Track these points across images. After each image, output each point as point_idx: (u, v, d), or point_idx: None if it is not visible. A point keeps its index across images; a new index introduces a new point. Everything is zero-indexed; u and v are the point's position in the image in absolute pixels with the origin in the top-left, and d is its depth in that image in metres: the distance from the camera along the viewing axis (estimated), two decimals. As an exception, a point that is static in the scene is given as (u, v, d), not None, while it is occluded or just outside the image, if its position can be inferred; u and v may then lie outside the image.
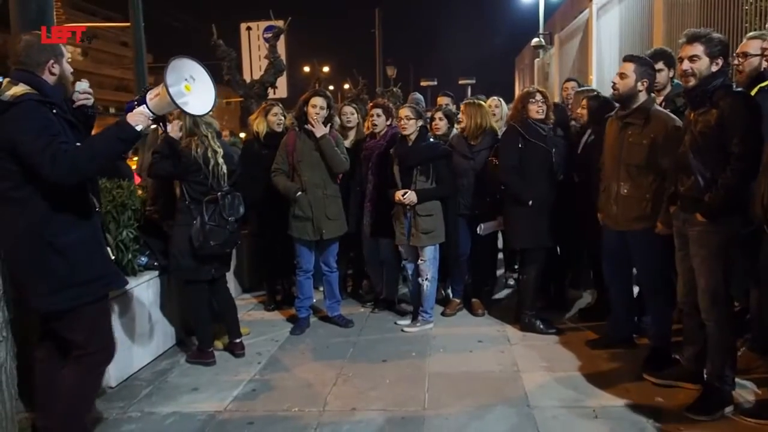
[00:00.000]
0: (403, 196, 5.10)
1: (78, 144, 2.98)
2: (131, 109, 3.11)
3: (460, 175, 5.40)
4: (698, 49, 3.47)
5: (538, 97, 5.03)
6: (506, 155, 5.05)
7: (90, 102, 3.35)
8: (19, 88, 2.91)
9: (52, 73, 3.06)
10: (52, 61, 3.05)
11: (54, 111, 2.95)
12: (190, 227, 4.43)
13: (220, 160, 4.50)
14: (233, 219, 4.54)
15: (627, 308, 4.62)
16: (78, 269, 3.03)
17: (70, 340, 3.16)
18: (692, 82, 3.51)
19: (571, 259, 5.76)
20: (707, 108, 3.49)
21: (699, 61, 3.47)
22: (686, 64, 3.50)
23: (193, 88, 3.16)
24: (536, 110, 5.00)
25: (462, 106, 5.67)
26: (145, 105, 3.08)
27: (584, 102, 5.07)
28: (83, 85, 3.37)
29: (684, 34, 3.58)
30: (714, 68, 3.48)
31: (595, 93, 5.23)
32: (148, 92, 3.13)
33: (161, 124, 3.44)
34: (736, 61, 3.78)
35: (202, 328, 4.72)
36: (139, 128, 3.03)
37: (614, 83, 4.17)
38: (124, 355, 4.36)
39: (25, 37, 3.09)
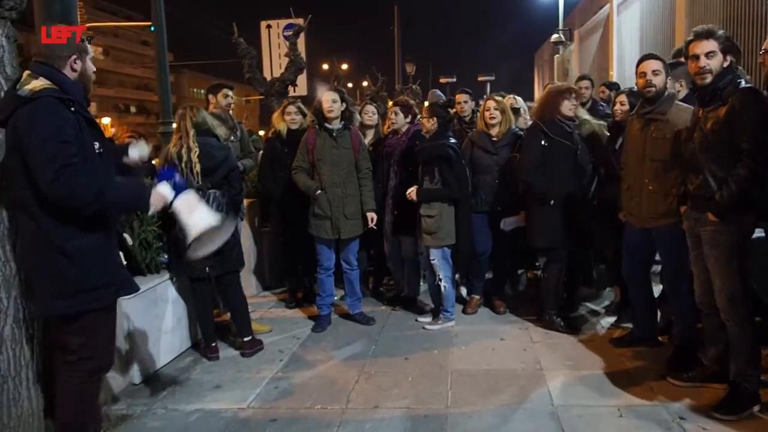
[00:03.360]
0: (407, 192, 5.14)
1: (92, 169, 2.83)
2: (168, 177, 3.07)
3: (482, 171, 5.38)
4: (713, 45, 3.44)
5: (575, 94, 5.03)
6: (529, 153, 5.00)
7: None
8: (39, 83, 2.77)
9: (73, 69, 2.91)
10: (74, 57, 2.90)
11: (72, 109, 2.80)
12: None
13: (194, 158, 4.51)
14: None
15: (648, 306, 4.58)
16: (88, 275, 2.90)
17: (64, 344, 3.01)
18: (708, 78, 3.46)
19: (585, 257, 5.69)
20: (717, 105, 3.46)
21: (715, 58, 3.44)
22: (704, 61, 3.45)
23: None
24: (570, 107, 4.98)
25: (495, 103, 5.48)
26: (175, 195, 3.02)
27: (623, 98, 5.00)
28: (141, 151, 3.40)
29: (694, 31, 3.54)
30: (725, 64, 3.46)
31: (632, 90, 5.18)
32: (189, 193, 3.10)
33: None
34: None
35: (205, 325, 4.84)
36: (151, 211, 3.07)
37: (651, 81, 4.07)
38: (147, 352, 4.42)
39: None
